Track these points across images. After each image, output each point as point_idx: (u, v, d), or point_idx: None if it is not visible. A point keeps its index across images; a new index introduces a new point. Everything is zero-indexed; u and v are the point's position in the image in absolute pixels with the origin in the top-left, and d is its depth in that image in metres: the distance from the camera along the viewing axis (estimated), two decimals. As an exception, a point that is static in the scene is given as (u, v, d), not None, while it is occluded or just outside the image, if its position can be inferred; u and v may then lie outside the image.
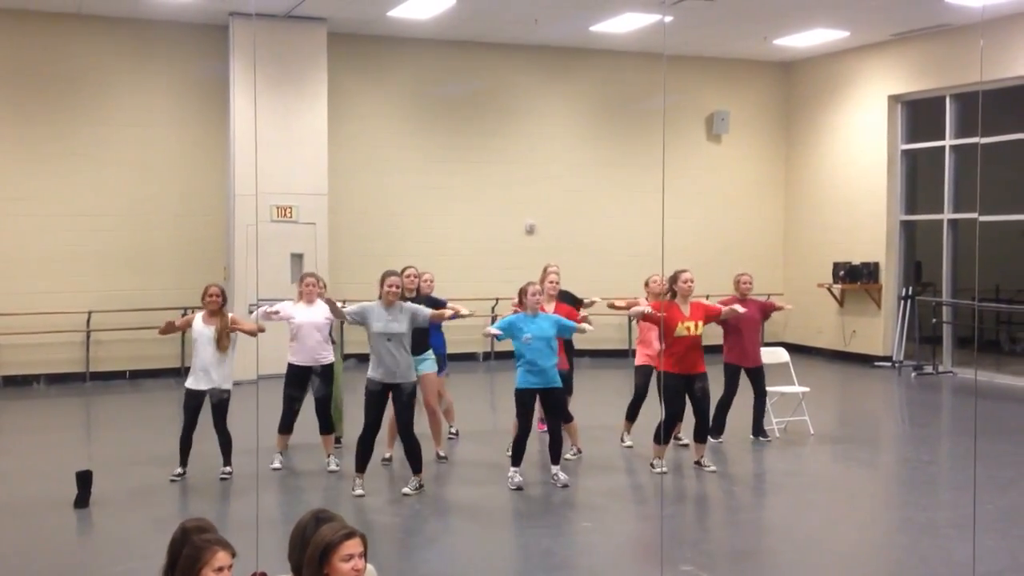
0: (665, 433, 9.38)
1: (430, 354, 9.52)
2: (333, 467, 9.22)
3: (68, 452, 10.12)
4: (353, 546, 3.89)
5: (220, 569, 3.88)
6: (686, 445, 9.99)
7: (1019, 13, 13.96)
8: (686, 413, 9.32)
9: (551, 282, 9.60)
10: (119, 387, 14.33)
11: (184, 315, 10.56)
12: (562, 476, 8.76)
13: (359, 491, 8.37)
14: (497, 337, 8.78)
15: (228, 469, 8.91)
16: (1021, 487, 8.87)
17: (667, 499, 8.57)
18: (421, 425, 9.00)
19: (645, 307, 9.25)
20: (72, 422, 12.67)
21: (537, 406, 8.96)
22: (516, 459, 8.75)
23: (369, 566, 4.06)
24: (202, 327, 8.82)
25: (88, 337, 14.44)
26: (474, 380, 15.24)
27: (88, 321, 14.34)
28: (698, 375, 9.03)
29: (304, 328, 9.16)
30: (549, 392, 8.70)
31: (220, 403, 8.82)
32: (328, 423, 9.37)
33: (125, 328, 14.40)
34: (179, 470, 8.90)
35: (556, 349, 8.78)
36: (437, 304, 9.28)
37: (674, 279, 9.12)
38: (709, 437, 9.59)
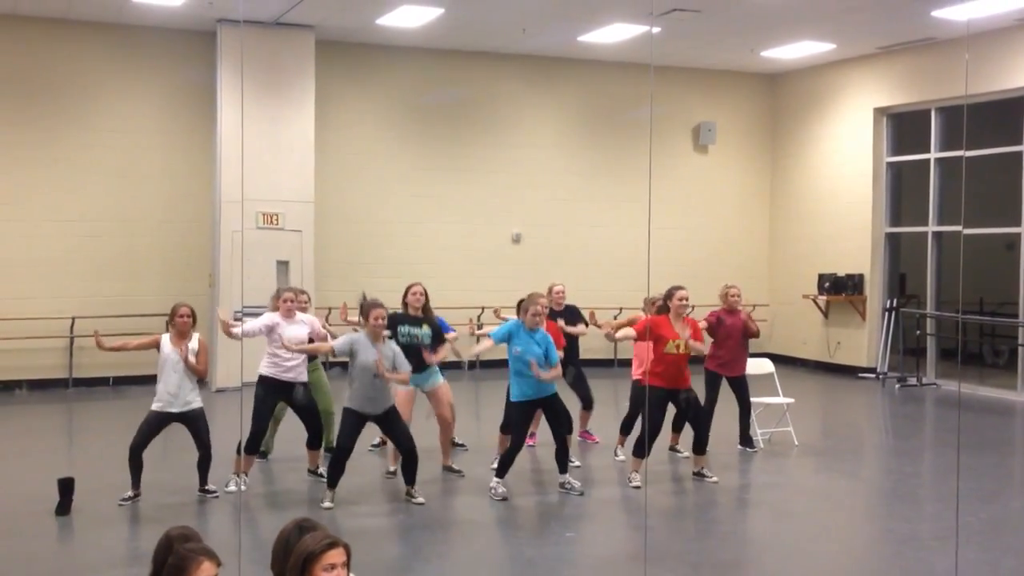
0: (648, 446, 9.22)
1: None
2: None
3: (50, 459, 10.07)
4: (335, 556, 3.86)
5: None
6: (687, 457, 9.99)
7: (1004, 27, 14.06)
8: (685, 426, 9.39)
9: (557, 293, 10.16)
10: (102, 393, 14.24)
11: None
12: (576, 483, 8.72)
13: (328, 503, 8.20)
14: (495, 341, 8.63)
15: (212, 487, 8.42)
16: (1003, 500, 8.90)
17: (651, 510, 8.56)
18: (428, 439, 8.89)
19: (631, 332, 9.08)
20: (54, 428, 12.59)
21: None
22: (501, 472, 8.67)
23: (351, 576, 4.04)
24: (170, 350, 8.24)
25: (71, 343, 14.35)
26: (458, 389, 15.15)
27: (71, 327, 14.27)
28: (683, 389, 9.03)
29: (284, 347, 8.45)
30: (545, 400, 8.59)
31: (197, 419, 8.31)
32: (317, 436, 9.03)
33: (109, 334, 14.17)
34: (130, 493, 8.24)
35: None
36: (441, 330, 9.37)
37: (669, 296, 9.09)
38: None
